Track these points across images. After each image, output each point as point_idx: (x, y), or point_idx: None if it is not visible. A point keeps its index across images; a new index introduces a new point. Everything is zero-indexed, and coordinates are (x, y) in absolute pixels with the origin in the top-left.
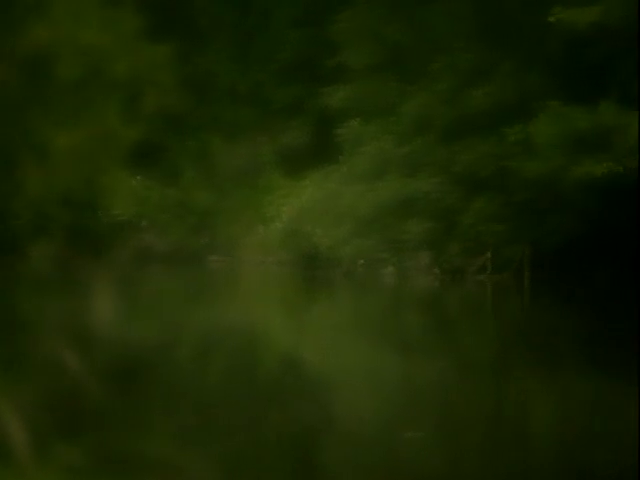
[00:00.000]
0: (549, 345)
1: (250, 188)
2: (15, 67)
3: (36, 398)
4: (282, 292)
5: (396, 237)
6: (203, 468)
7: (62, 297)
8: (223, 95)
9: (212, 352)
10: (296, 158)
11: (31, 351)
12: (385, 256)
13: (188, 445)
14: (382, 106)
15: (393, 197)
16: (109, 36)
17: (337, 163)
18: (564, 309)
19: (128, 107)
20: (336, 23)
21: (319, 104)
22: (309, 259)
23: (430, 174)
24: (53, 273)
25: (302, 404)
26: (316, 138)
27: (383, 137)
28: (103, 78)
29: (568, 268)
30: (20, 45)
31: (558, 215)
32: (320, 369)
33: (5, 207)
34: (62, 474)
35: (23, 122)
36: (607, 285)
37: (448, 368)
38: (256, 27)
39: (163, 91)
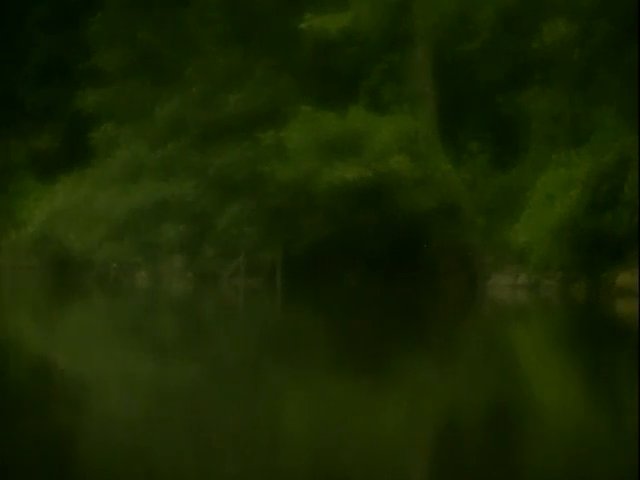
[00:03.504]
0: (300, 346)
1: (2, 192)
2: None
3: None
4: (33, 297)
5: (150, 241)
6: None
7: None
8: None
9: None
10: (49, 161)
11: None
12: (139, 260)
13: None
14: (136, 109)
15: (147, 201)
16: None
17: (91, 167)
18: (315, 310)
19: None
20: (89, 25)
21: (73, 107)
22: (61, 263)
23: (184, 178)
24: None
25: (54, 409)
26: (70, 141)
27: (137, 141)
28: None
29: (319, 270)
30: None
31: (310, 218)
32: (72, 375)
33: None
34: None
35: None
36: (356, 285)
37: (201, 371)
38: (8, 28)
39: None
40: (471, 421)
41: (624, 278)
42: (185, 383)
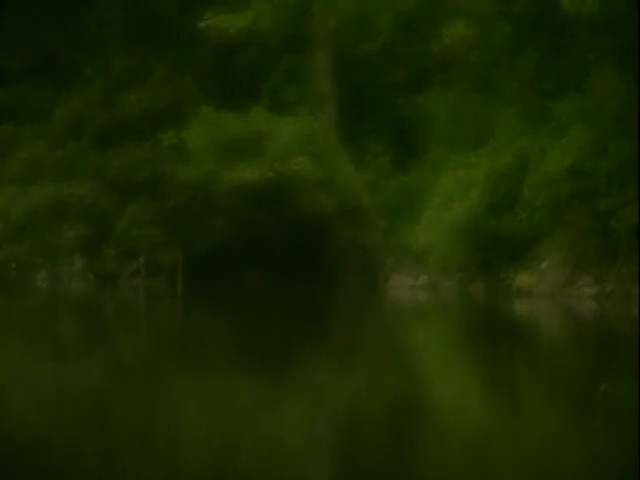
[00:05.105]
0: (200, 347)
1: None
2: None
3: None
4: None
5: (49, 241)
6: None
7: None
8: None
9: None
10: None
11: None
12: (38, 260)
13: None
14: (36, 109)
15: (46, 201)
16: None
17: None
18: (217, 310)
19: None
20: None
21: None
22: None
23: (84, 178)
24: None
25: None
26: None
27: (37, 141)
28: None
29: (221, 270)
30: None
31: (211, 219)
32: None
33: None
34: None
35: None
36: (258, 286)
37: (99, 372)
38: None
39: None
40: (369, 421)
41: (522, 278)
42: (83, 384)
